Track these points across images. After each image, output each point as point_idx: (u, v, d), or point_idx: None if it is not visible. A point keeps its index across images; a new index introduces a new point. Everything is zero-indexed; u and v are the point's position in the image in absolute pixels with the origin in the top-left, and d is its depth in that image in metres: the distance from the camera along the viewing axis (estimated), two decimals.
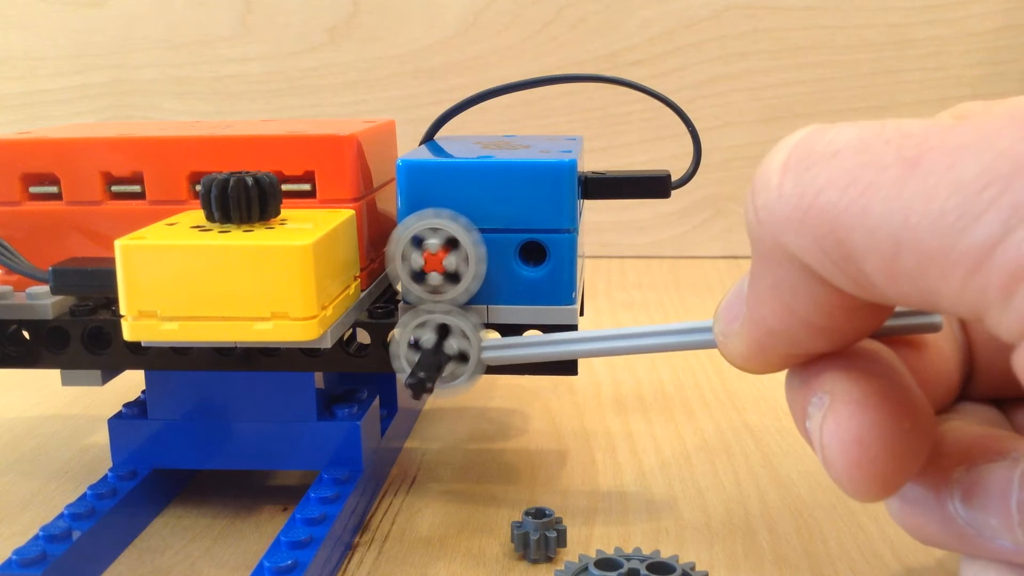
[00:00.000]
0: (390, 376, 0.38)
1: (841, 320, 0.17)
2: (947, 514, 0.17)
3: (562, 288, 0.30)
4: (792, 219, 0.15)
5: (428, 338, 0.29)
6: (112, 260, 0.27)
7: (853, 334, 0.18)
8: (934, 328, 0.19)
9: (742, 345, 0.19)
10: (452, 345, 0.29)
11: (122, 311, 0.27)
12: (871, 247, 0.14)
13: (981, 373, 0.22)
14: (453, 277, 0.29)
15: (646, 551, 0.31)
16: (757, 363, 0.19)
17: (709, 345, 0.21)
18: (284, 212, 0.31)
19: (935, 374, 0.21)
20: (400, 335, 0.30)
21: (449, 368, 0.29)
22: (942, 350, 0.21)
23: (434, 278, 0.29)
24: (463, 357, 0.29)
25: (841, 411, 0.17)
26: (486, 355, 0.22)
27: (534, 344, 0.23)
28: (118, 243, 0.27)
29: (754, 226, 0.17)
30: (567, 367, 0.31)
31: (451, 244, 0.29)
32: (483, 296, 0.30)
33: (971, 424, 0.19)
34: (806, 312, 0.17)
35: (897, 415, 0.17)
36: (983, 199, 0.13)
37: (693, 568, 0.28)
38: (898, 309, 0.19)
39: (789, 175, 0.16)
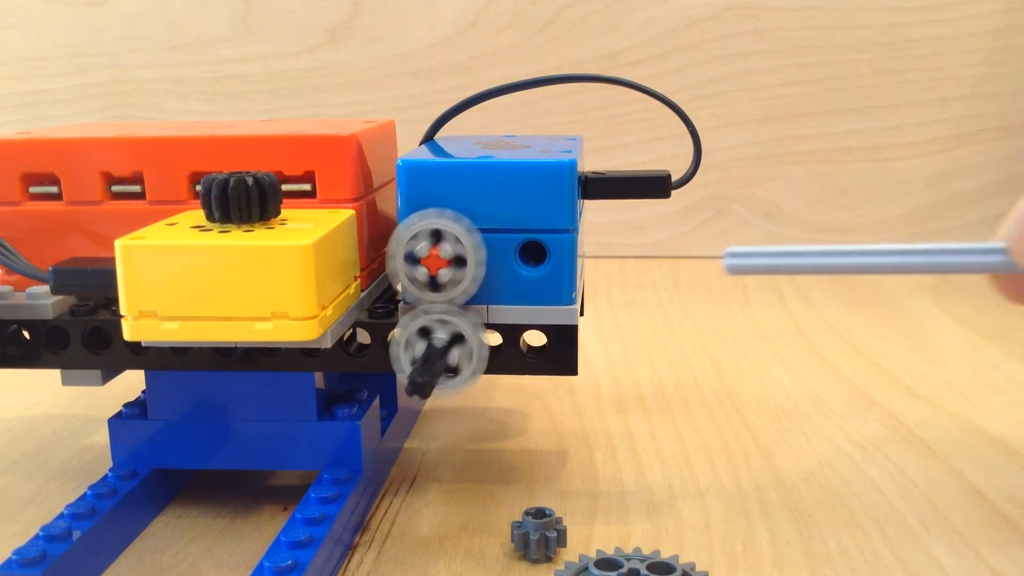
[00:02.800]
0: (390, 376, 0.38)
1: None
2: None
3: (562, 288, 0.30)
4: None
5: (439, 338, 0.29)
6: (112, 260, 0.27)
7: None
8: None
9: None
10: (451, 346, 0.29)
11: (122, 311, 0.27)
12: None
13: None
14: (453, 276, 0.29)
15: (646, 551, 0.31)
16: None
17: (1000, 268, 0.19)
18: (284, 212, 0.31)
19: None
20: (400, 335, 0.30)
21: (449, 368, 0.29)
22: None
23: (437, 277, 0.29)
24: (463, 356, 0.29)
25: None
26: (729, 262, 0.20)
27: (783, 255, 0.20)
28: (118, 243, 0.27)
29: None
30: (567, 367, 0.31)
31: (452, 244, 0.29)
32: (483, 296, 0.30)
33: None
34: None
35: None
36: None
37: (693, 568, 0.28)
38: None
39: None
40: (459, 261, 0.29)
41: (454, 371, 0.30)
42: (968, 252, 0.20)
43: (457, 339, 0.29)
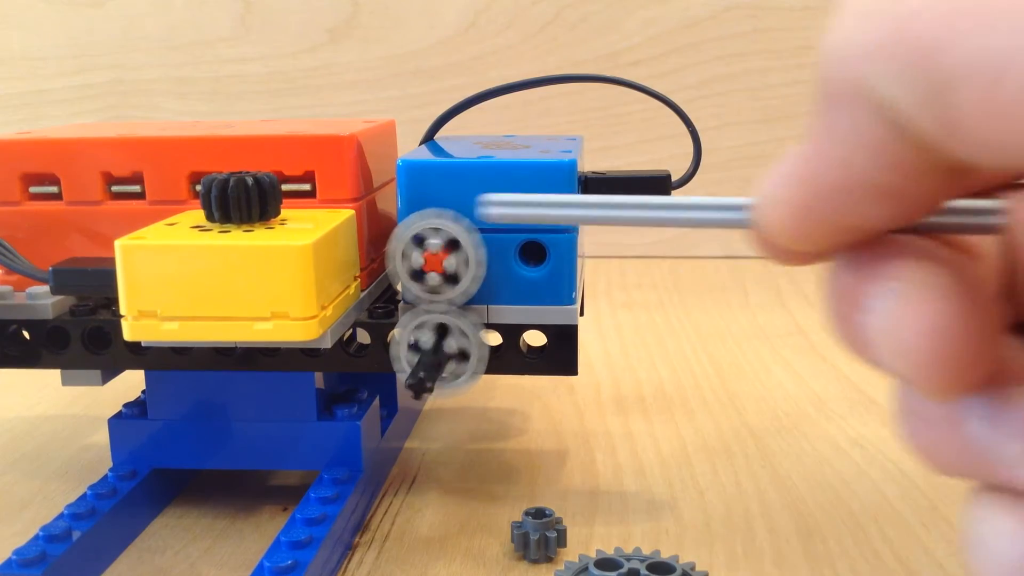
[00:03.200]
0: (390, 376, 0.38)
1: (907, 183, 0.15)
2: (967, 435, 0.16)
3: (562, 288, 0.30)
4: (880, 46, 0.14)
5: (427, 339, 0.29)
6: (112, 260, 0.27)
7: (914, 207, 0.16)
8: (992, 229, 0.17)
9: (788, 211, 0.17)
10: (451, 345, 0.29)
11: (122, 311, 0.27)
12: (970, 73, 0.13)
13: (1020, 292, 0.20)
14: (453, 277, 0.29)
15: (646, 551, 0.30)
16: (802, 235, 0.17)
17: (741, 224, 0.19)
18: (284, 212, 0.31)
19: (985, 284, 0.19)
20: (400, 335, 0.30)
21: (449, 368, 0.29)
22: (989, 261, 0.19)
23: (434, 278, 0.29)
24: (463, 356, 0.29)
25: (921, 298, 0.15)
26: (490, 211, 0.20)
27: (545, 204, 0.20)
28: (118, 243, 0.27)
29: (831, 60, 0.15)
30: (567, 367, 0.31)
31: (452, 245, 0.29)
32: (483, 296, 0.30)
33: (1003, 343, 0.17)
34: (871, 167, 0.15)
35: (976, 308, 0.15)
36: None
37: (693, 568, 0.28)
38: (950, 205, 0.17)
39: None
40: (459, 261, 0.29)
41: (454, 371, 0.30)
42: (721, 208, 0.19)
43: (457, 339, 0.29)
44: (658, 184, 0.33)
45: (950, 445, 0.16)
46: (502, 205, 0.20)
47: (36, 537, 0.29)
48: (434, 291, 0.29)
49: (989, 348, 0.16)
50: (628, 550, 0.31)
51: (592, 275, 0.74)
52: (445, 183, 0.30)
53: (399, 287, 0.31)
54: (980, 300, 0.16)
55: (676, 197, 0.19)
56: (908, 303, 0.16)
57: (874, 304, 0.16)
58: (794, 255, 0.18)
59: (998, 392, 0.16)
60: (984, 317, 0.16)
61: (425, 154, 0.32)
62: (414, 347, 0.29)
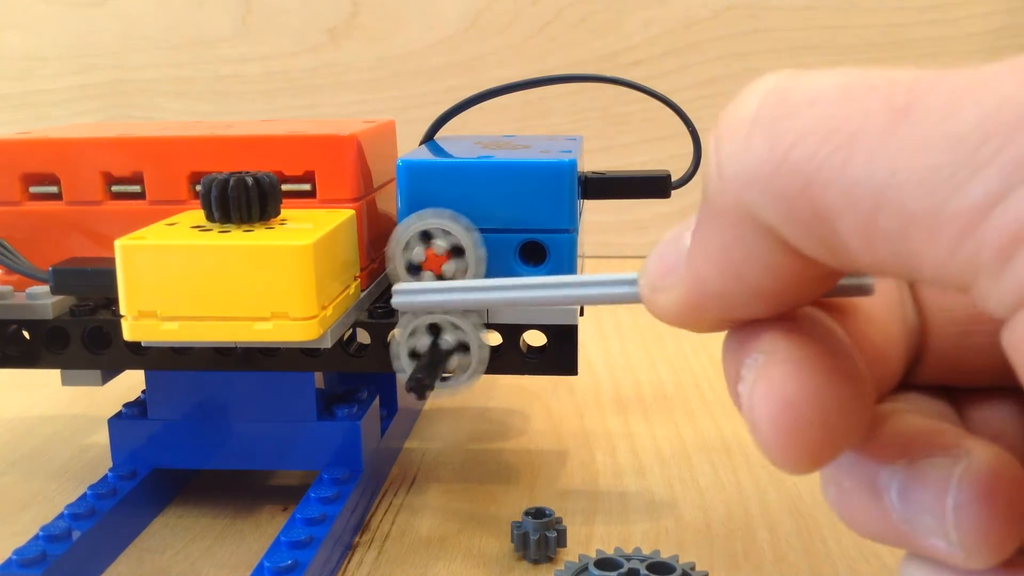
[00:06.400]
0: (390, 376, 0.38)
1: (792, 288, 0.16)
2: (883, 507, 0.16)
3: None
4: (760, 175, 0.14)
5: (423, 342, 0.29)
6: (112, 260, 0.27)
7: (798, 301, 0.17)
8: (865, 291, 0.18)
9: (674, 302, 0.17)
10: (450, 345, 0.29)
11: (122, 311, 0.27)
12: (848, 205, 0.13)
13: (933, 356, 0.20)
14: (453, 278, 0.29)
15: (646, 551, 0.30)
16: (688, 322, 0.17)
17: (631, 299, 0.19)
18: (284, 212, 0.31)
19: (873, 348, 0.19)
20: (400, 335, 0.30)
21: (450, 366, 0.29)
22: (886, 326, 0.19)
23: (428, 277, 0.29)
24: (463, 356, 0.29)
25: (775, 371, 0.16)
26: (397, 300, 0.21)
27: (448, 290, 0.21)
28: (118, 243, 0.27)
29: (714, 181, 0.15)
30: (567, 367, 0.31)
31: (451, 244, 0.29)
32: None
33: (915, 415, 0.18)
34: (756, 278, 0.15)
35: (835, 381, 0.15)
36: (982, 153, 0.12)
37: (693, 568, 0.28)
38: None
39: (760, 126, 0.14)
40: (459, 261, 0.29)
41: (454, 371, 0.30)
42: (614, 283, 0.20)
43: (457, 339, 0.29)
44: (658, 184, 0.33)
45: (870, 515, 0.17)
46: (407, 294, 0.20)
47: (36, 537, 0.29)
48: None
49: (854, 420, 0.16)
50: (628, 550, 0.31)
51: None
52: (445, 183, 0.30)
53: None
54: (848, 371, 0.16)
55: (570, 276, 0.20)
56: (762, 375, 0.16)
57: (743, 374, 0.16)
58: (681, 326, 0.18)
59: (910, 464, 0.16)
60: (847, 390, 0.16)
61: (425, 154, 0.32)
62: (413, 356, 0.29)
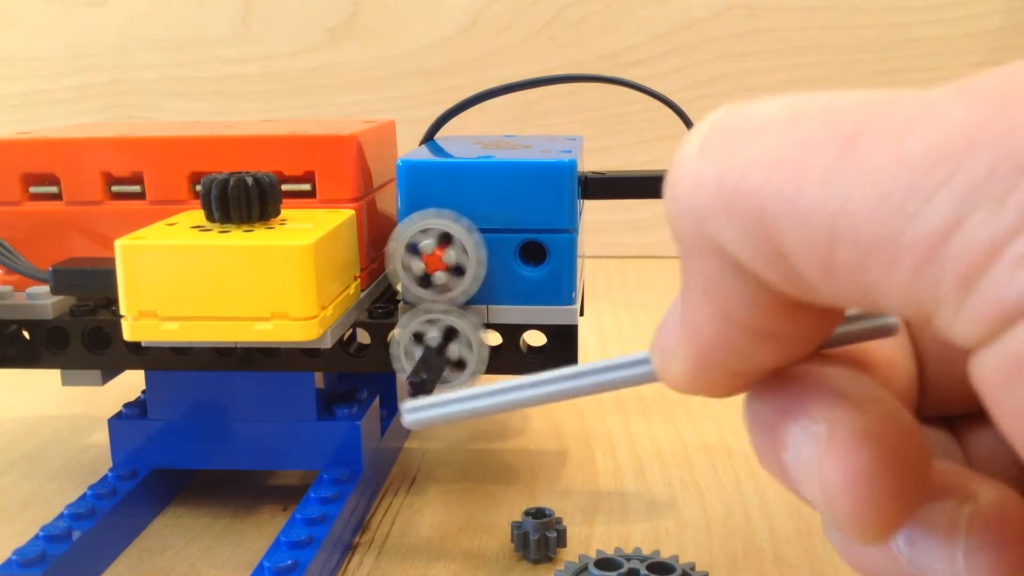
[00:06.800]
0: (390, 376, 0.38)
1: (783, 323, 0.15)
2: (891, 553, 0.16)
3: (562, 288, 0.30)
4: (715, 205, 0.14)
5: (433, 336, 0.29)
6: (112, 260, 0.27)
7: (801, 342, 0.16)
8: (889, 331, 0.17)
9: (682, 366, 0.17)
10: (451, 346, 0.29)
11: (122, 311, 0.27)
12: (803, 239, 0.12)
13: (929, 387, 0.20)
14: (453, 277, 0.29)
15: (646, 551, 0.30)
16: (703, 384, 0.17)
17: (648, 379, 0.18)
18: (284, 212, 0.31)
19: (900, 394, 0.18)
20: (400, 335, 0.30)
21: (449, 366, 0.29)
22: (895, 364, 0.19)
23: (434, 278, 0.29)
24: (461, 359, 0.29)
25: (842, 443, 0.15)
26: (408, 419, 0.20)
27: (457, 401, 0.20)
28: (118, 243, 0.27)
29: (675, 218, 0.15)
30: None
31: (452, 245, 0.29)
32: (483, 296, 0.30)
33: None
34: (743, 315, 0.15)
35: (900, 446, 0.15)
36: (934, 179, 0.11)
37: (693, 568, 0.28)
38: (848, 313, 0.17)
39: (708, 156, 0.14)
40: (459, 261, 0.29)
41: (454, 371, 0.30)
42: (625, 366, 0.19)
43: (457, 339, 0.29)
44: (658, 184, 0.33)
45: (877, 561, 0.16)
46: (417, 411, 0.19)
47: (36, 537, 0.29)
48: (435, 291, 0.29)
49: (920, 482, 0.15)
50: (628, 550, 0.31)
51: (592, 275, 0.74)
52: (445, 183, 0.30)
53: (399, 287, 0.31)
54: (908, 432, 0.15)
55: (581, 365, 0.19)
56: (832, 449, 0.15)
57: (797, 444, 0.16)
58: (699, 392, 0.17)
59: (918, 511, 0.15)
60: (912, 454, 0.15)
61: (425, 154, 0.32)
62: (417, 340, 0.29)
